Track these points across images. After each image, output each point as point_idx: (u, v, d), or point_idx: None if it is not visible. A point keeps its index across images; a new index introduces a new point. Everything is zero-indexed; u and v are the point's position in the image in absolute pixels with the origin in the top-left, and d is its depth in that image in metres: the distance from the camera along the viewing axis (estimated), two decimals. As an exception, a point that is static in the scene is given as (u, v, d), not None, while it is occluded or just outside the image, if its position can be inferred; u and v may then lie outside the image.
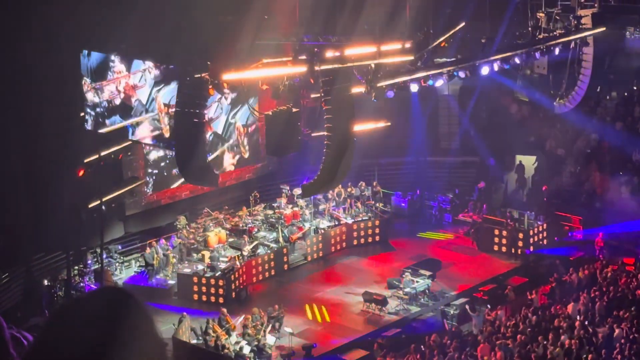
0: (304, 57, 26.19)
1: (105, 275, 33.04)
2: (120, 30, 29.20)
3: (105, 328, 3.14)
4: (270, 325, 30.20)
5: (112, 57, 30.80)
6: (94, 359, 3.08)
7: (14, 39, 30.38)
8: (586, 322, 28.76)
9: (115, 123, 31.12)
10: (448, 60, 30.21)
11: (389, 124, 39.74)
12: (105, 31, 29.79)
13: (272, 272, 35.34)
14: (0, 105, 30.47)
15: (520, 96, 37.34)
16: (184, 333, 29.28)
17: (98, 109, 31.36)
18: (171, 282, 33.77)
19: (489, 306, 31.15)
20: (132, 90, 30.76)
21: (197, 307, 32.31)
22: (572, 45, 32.79)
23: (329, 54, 26.63)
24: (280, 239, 36.07)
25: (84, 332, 3.13)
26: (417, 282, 32.88)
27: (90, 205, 32.93)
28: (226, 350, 28.65)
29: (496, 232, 37.30)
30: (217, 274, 33.26)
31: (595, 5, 33.15)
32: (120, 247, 35.30)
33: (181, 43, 26.68)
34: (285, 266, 35.98)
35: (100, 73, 31.18)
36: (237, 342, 29.14)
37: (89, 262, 33.88)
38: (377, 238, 38.68)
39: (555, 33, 32.35)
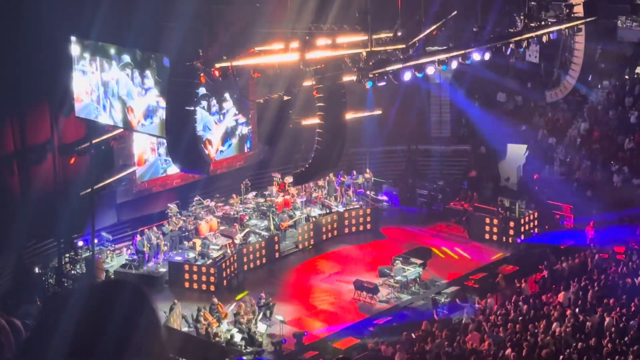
0: (295, 45, 26.15)
1: (96, 263, 33.00)
2: (111, 17, 29.16)
3: (108, 318, 3.13)
4: (262, 313, 30.23)
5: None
6: (90, 349, 3.08)
7: (4, 25, 30.27)
8: (577, 311, 28.85)
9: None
10: (440, 48, 30.18)
11: (380, 112, 39.82)
12: (95, 18, 29.72)
13: (264, 260, 35.33)
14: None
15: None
16: (175, 321, 29.30)
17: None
18: (162, 269, 33.74)
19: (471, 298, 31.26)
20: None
21: (189, 295, 32.29)
22: (564, 34, 32.78)
23: (321, 42, 26.60)
24: (272, 227, 36.05)
25: (84, 322, 3.12)
26: (408, 270, 32.91)
27: (81, 193, 32.88)
28: (217, 338, 28.69)
29: (487, 220, 37.34)
30: (208, 262, 33.24)
31: (587, -7, 33.13)
32: (111, 238, 35.15)
33: (173, 31, 26.61)
34: (277, 254, 35.96)
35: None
36: (228, 330, 29.17)
37: (82, 249, 33.80)
38: (369, 226, 38.67)
39: (547, 22, 32.33)
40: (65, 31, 30.87)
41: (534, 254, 35.10)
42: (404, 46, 28.70)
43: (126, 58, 30.62)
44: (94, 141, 32.84)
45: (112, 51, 30.88)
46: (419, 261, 33.47)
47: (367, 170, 40.65)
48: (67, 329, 3.12)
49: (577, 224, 37.14)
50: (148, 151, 36.71)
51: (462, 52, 30.12)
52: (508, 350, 26.03)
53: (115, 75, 31.05)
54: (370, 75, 27.67)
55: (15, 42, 30.41)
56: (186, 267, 33.27)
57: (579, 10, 32.66)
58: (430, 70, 30.00)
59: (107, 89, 31.30)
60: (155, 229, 34.92)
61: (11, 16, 30.40)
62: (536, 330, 27.32)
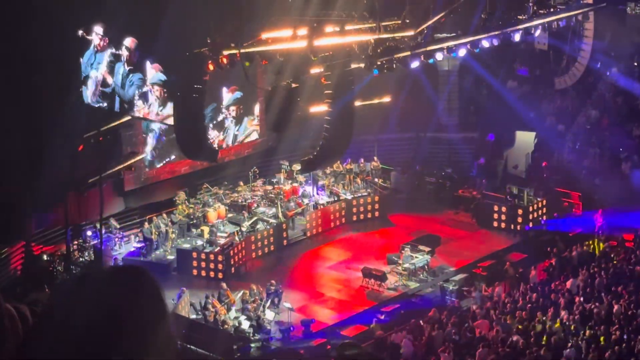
0: (303, 32, 26.09)
1: (104, 250, 33.03)
2: (123, 5, 29.12)
3: (115, 307, 3.10)
4: (270, 301, 30.24)
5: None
6: (99, 337, 3.05)
7: (14, 14, 30.26)
8: (584, 298, 28.83)
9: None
10: (448, 35, 30.11)
11: (389, 99, 39.76)
12: (104, 6, 29.70)
13: (272, 248, 35.34)
14: (1, 84, 30.39)
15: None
16: (183, 308, 29.35)
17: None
18: (170, 257, 33.77)
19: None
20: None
21: (196, 283, 32.33)
22: (573, 20, 32.67)
23: (329, 29, 26.53)
24: (280, 215, 36.04)
25: (93, 309, 3.09)
26: (416, 257, 32.89)
27: (89, 180, 32.89)
28: (226, 326, 28.72)
29: (495, 208, 37.27)
30: (216, 250, 33.26)
31: (597, -20, 33.02)
32: (118, 226, 35.12)
33: (180, 19, 26.56)
34: (285, 242, 35.97)
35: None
36: (236, 318, 29.21)
37: (90, 236, 33.85)
38: (377, 214, 38.65)
39: (556, 8, 32.23)
40: (77, 18, 30.84)
41: (542, 242, 35.05)
42: (412, 33, 28.63)
43: (137, 46, 30.65)
44: (102, 128, 32.83)
45: (124, 39, 30.91)
46: (427, 248, 33.45)
47: (375, 158, 40.58)
48: (76, 315, 3.09)
49: (585, 212, 37.03)
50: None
51: (471, 39, 30.05)
52: (516, 337, 26.05)
53: (127, 64, 31.10)
54: (379, 63, 27.64)
55: (28, 28, 30.37)
56: (194, 254, 33.29)
57: (588, -4, 32.57)
58: (438, 57, 29.95)
59: (118, 77, 31.35)
60: (164, 216, 34.96)
61: (26, 2, 30.40)
62: (544, 318, 27.32)
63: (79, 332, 3.04)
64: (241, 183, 37.69)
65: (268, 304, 30.06)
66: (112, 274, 3.31)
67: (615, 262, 31.71)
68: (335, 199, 38.23)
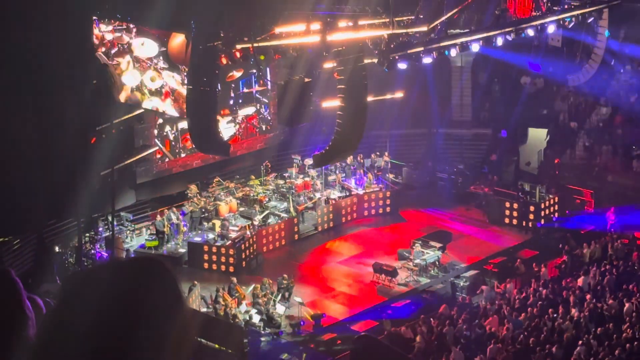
0: (317, 26, 26.08)
1: (116, 242, 33.10)
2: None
3: (129, 298, 3.08)
4: (280, 295, 30.26)
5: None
6: (112, 329, 3.04)
7: (26, 5, 30.29)
8: (596, 296, 28.79)
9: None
10: (461, 31, 30.05)
11: (401, 95, 39.71)
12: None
13: (283, 242, 35.35)
14: (13, 73, 30.42)
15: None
16: (194, 302, 29.37)
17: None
18: (182, 250, 33.80)
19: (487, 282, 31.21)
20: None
21: (208, 276, 32.35)
22: (587, 17, 32.56)
23: (342, 24, 26.52)
24: (291, 209, 36.05)
25: (106, 301, 3.08)
26: (427, 253, 32.87)
27: (102, 173, 32.94)
28: (236, 320, 28.75)
29: (507, 204, 37.21)
30: (227, 243, 33.28)
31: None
32: (131, 217, 35.23)
33: (194, 11, 26.57)
34: (296, 236, 35.97)
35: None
36: (246, 311, 29.22)
37: (100, 229, 33.91)
38: (388, 209, 38.59)
39: (570, 5, 32.12)
40: (88, 8, 30.87)
41: (554, 239, 35.00)
42: (425, 29, 28.58)
43: (150, 38, 30.68)
44: (114, 121, 32.87)
45: (136, 31, 30.92)
46: (438, 244, 33.42)
47: (386, 153, 40.54)
48: (88, 307, 3.08)
49: (597, 209, 36.94)
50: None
51: (484, 35, 29.97)
52: (527, 334, 26.04)
53: (139, 56, 31.13)
54: (391, 58, 27.60)
55: (38, 18, 30.40)
56: (205, 247, 33.33)
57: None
58: (452, 53, 29.89)
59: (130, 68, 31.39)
60: (174, 209, 34.99)
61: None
62: (555, 315, 27.29)
63: (91, 324, 3.03)
64: (253, 177, 37.72)
65: (279, 298, 30.09)
66: (126, 264, 3.28)
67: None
68: (347, 193, 38.22)
